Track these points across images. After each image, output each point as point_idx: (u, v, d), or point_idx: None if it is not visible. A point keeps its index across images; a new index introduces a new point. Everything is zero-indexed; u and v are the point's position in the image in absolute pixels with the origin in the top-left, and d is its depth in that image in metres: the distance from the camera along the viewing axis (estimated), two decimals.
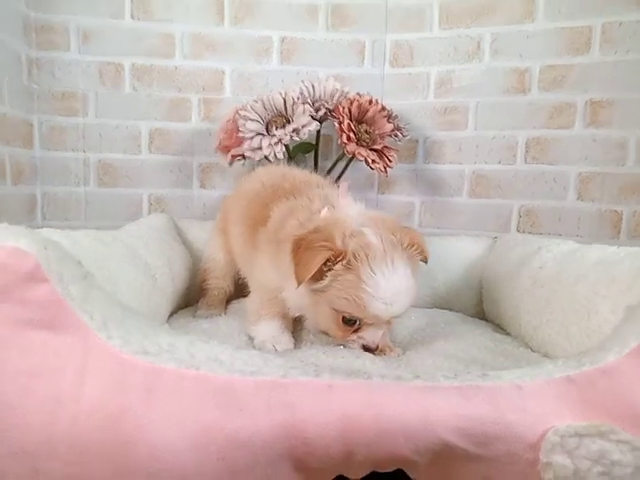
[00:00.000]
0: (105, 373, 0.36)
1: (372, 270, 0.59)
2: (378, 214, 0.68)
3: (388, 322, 0.65)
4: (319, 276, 0.60)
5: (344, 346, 0.65)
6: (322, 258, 0.58)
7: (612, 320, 0.53)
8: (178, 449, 0.34)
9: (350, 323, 0.63)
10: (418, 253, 0.64)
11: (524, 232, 1.18)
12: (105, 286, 0.46)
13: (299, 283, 0.59)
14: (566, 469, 0.36)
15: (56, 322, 0.37)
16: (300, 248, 0.59)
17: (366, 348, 0.64)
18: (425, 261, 0.67)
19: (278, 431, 0.34)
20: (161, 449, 0.34)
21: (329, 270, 0.59)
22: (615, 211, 1.11)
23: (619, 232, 1.11)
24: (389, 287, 0.59)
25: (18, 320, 0.36)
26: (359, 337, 0.63)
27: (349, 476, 0.40)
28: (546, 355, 0.67)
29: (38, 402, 0.35)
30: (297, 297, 0.64)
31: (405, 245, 0.62)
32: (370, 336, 0.63)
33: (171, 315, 0.82)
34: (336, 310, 0.62)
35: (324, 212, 0.64)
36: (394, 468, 0.40)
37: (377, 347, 0.64)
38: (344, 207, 0.66)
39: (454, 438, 0.35)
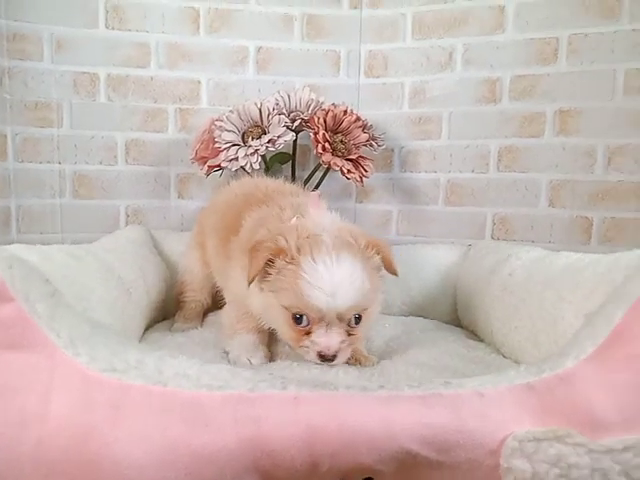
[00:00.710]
0: (72, 391, 0.36)
1: (313, 259, 0.58)
2: (346, 224, 0.68)
3: (345, 326, 0.61)
4: (265, 275, 0.61)
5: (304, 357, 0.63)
6: (263, 258, 0.59)
7: (576, 326, 0.55)
8: (144, 466, 0.34)
9: (299, 321, 0.61)
10: (376, 254, 0.63)
11: (499, 239, 1.21)
12: (77, 302, 0.46)
13: (249, 282, 0.60)
14: (525, 473, 0.37)
15: (22, 341, 0.37)
16: (252, 250, 0.60)
17: (322, 356, 0.60)
18: (392, 272, 0.65)
19: (244, 445, 0.35)
20: (127, 466, 0.34)
21: (272, 267, 0.60)
22: (586, 217, 1.14)
23: (590, 237, 1.14)
24: (329, 275, 0.58)
25: None
26: (312, 342, 0.60)
27: None
28: (517, 361, 0.69)
29: (3, 422, 0.35)
30: (257, 302, 0.64)
31: (362, 246, 0.62)
32: (322, 338, 0.59)
33: (147, 328, 0.81)
34: (285, 308, 0.61)
35: (293, 221, 0.65)
36: (362, 478, 0.41)
37: (334, 356, 0.60)
38: (314, 216, 0.66)
39: (416, 447, 0.36)
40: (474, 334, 0.87)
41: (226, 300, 0.76)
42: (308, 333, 0.61)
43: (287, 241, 0.60)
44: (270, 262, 0.60)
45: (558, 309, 0.61)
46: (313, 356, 0.61)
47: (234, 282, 0.69)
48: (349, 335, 0.62)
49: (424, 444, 0.36)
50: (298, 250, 0.59)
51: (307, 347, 0.60)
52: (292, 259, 0.59)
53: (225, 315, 0.74)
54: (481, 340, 0.83)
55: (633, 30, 1.06)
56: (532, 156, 1.17)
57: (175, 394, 0.36)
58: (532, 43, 1.14)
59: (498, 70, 1.17)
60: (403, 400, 0.38)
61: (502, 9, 1.15)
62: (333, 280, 0.58)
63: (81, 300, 0.52)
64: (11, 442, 0.34)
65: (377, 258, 0.64)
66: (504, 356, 0.72)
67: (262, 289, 0.62)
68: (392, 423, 0.36)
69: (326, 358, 0.60)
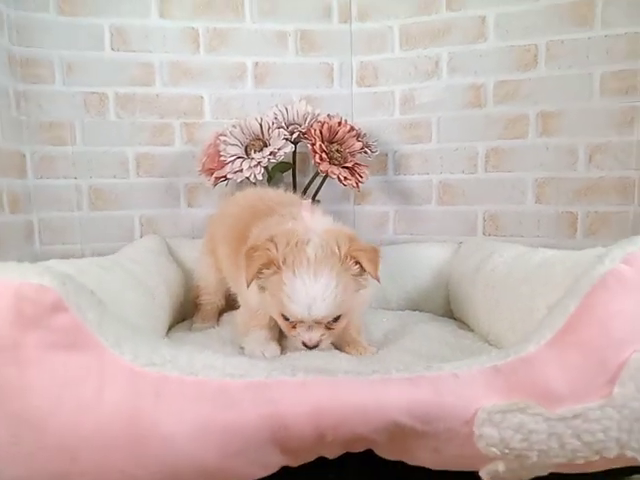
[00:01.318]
0: (120, 383, 0.44)
1: (294, 274, 0.66)
2: (336, 227, 0.76)
3: (325, 325, 0.70)
4: (259, 275, 0.70)
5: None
6: (258, 264, 0.68)
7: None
8: (184, 440, 0.43)
9: (287, 319, 0.71)
10: (355, 264, 0.70)
11: (490, 235, 1.28)
12: (113, 308, 0.54)
13: (247, 285, 0.69)
14: (494, 438, 0.45)
15: (77, 343, 0.45)
16: (248, 254, 0.69)
17: (304, 344, 0.71)
18: (375, 279, 0.71)
19: (263, 421, 0.43)
20: (170, 440, 0.43)
21: (263, 273, 0.69)
22: (571, 212, 1.22)
23: (576, 231, 1.22)
24: (305, 292, 0.66)
25: (47, 344, 0.44)
26: (297, 334, 0.71)
27: (326, 456, 0.49)
28: (500, 348, 0.77)
29: (67, 409, 0.43)
30: (255, 298, 0.74)
31: (342, 256, 0.69)
32: (304, 334, 0.70)
33: (169, 329, 0.90)
34: (274, 306, 0.71)
35: (289, 225, 0.73)
36: (362, 448, 0.49)
37: (317, 344, 0.70)
38: (306, 220, 0.74)
39: (404, 419, 0.44)
40: (466, 325, 0.96)
41: (239, 302, 0.85)
42: (294, 327, 0.71)
43: (277, 249, 0.68)
44: (262, 269, 0.69)
45: (533, 300, 0.69)
46: (299, 344, 0.71)
47: (245, 287, 0.78)
48: (329, 329, 0.71)
49: (410, 417, 0.45)
50: (284, 260, 0.67)
51: (295, 337, 0.72)
52: (278, 269, 0.68)
53: (239, 315, 0.83)
54: (471, 330, 0.91)
55: (605, 36, 1.13)
56: (517, 156, 1.24)
57: (205, 382, 0.44)
58: (513, 50, 1.21)
59: (482, 76, 1.24)
60: (392, 381, 0.46)
61: (483, 19, 1.22)
62: (308, 296, 0.66)
63: (115, 306, 0.60)
64: (75, 424, 0.43)
65: (356, 268, 0.70)
66: (490, 344, 0.80)
67: (260, 287, 0.71)
68: (383, 400, 0.45)
69: (307, 346, 0.71)
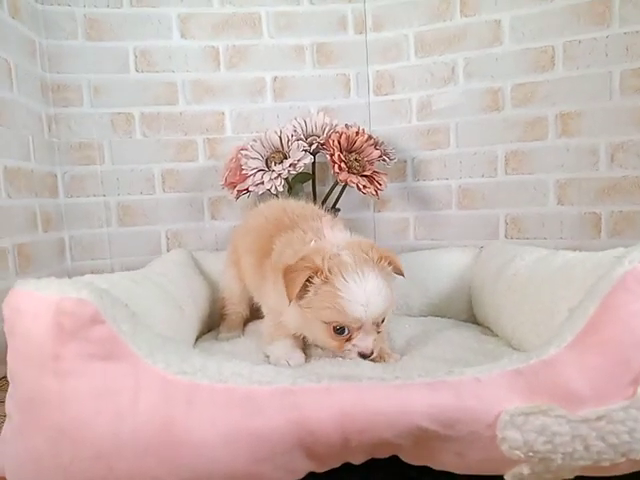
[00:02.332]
0: (154, 391, 0.47)
1: (345, 279, 0.69)
2: (357, 239, 0.79)
3: (376, 328, 0.73)
4: (304, 293, 0.71)
5: (343, 358, 0.75)
6: (304, 276, 0.70)
7: None
8: (214, 446, 0.45)
9: (340, 332, 0.72)
10: (388, 264, 0.75)
11: (512, 238, 1.28)
12: (144, 320, 0.56)
13: (290, 300, 0.71)
14: (517, 441, 0.45)
15: (113, 354, 0.47)
16: (287, 273, 0.71)
17: (362, 355, 0.72)
18: (399, 272, 0.77)
19: (290, 427, 0.45)
20: (201, 447, 0.45)
21: (311, 285, 0.71)
22: (594, 213, 1.20)
23: (600, 232, 1.20)
24: (361, 290, 0.69)
25: (85, 354, 0.47)
26: (353, 345, 0.72)
27: (351, 461, 0.50)
28: (524, 352, 0.77)
29: (105, 417, 0.46)
30: (294, 318, 0.75)
31: (375, 260, 0.73)
32: (362, 342, 0.72)
33: (196, 340, 0.93)
34: (325, 322, 0.72)
35: (312, 243, 0.76)
36: (387, 454, 0.50)
37: (372, 352, 0.72)
38: (328, 237, 0.78)
39: (426, 423, 0.45)
40: (489, 330, 0.95)
41: (264, 312, 0.87)
42: (349, 339, 0.73)
43: (321, 263, 0.71)
44: (308, 281, 0.71)
45: (554, 303, 0.68)
46: (354, 355, 0.73)
47: (269, 297, 0.80)
48: (377, 333, 0.74)
49: (432, 421, 0.46)
50: (329, 271, 0.70)
51: (349, 350, 0.73)
52: (326, 279, 0.70)
53: (264, 325, 0.85)
54: (495, 335, 0.91)
55: (625, 33, 1.12)
56: (538, 158, 1.24)
57: (234, 389, 0.46)
58: (529, 52, 1.21)
59: (499, 80, 1.25)
60: (414, 387, 0.47)
61: (498, 23, 1.23)
62: (366, 294, 0.70)
63: (146, 317, 0.63)
64: (112, 432, 0.45)
65: (389, 268, 0.75)
66: (513, 348, 0.80)
67: (300, 306, 0.73)
68: (406, 405, 0.46)
69: (365, 356, 0.73)
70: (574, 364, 0.48)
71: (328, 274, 0.70)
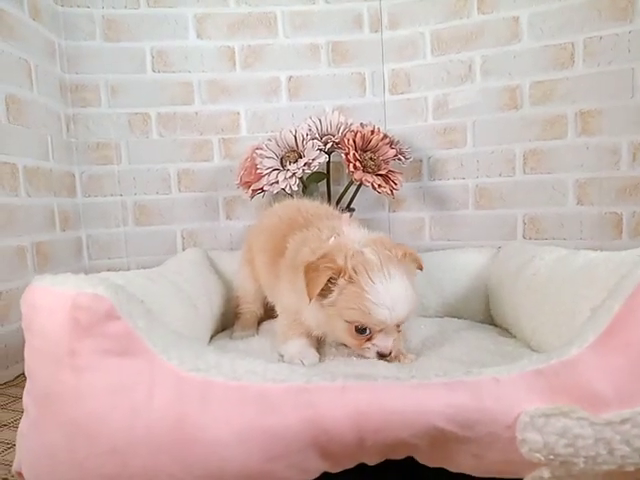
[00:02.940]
0: (168, 387, 0.46)
1: (372, 280, 0.68)
2: (376, 235, 0.78)
3: (397, 328, 0.73)
4: (327, 292, 0.70)
5: (360, 356, 0.74)
6: (326, 276, 0.69)
7: None
8: (228, 443, 0.44)
9: (362, 332, 0.71)
10: (412, 261, 0.74)
11: (530, 239, 1.26)
12: (160, 317, 0.56)
13: (310, 299, 0.69)
14: (538, 443, 0.44)
15: (129, 349, 0.47)
16: (309, 271, 0.69)
17: (381, 355, 0.72)
18: (420, 268, 0.76)
19: (304, 425, 0.44)
20: (215, 444, 0.44)
21: (334, 285, 0.69)
22: (615, 213, 1.18)
23: (621, 232, 1.18)
24: (388, 293, 0.68)
25: (101, 350, 0.47)
26: (373, 345, 0.72)
27: (366, 462, 0.49)
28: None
29: (120, 413, 0.46)
30: (314, 315, 0.74)
31: (399, 257, 0.72)
32: (382, 342, 0.71)
33: (210, 338, 0.93)
34: (347, 321, 0.71)
35: (332, 240, 0.75)
36: (403, 455, 0.49)
37: (390, 352, 0.72)
38: (348, 234, 0.76)
39: (443, 424, 0.44)
40: (507, 331, 0.94)
41: (277, 311, 0.86)
42: (369, 339, 0.72)
43: (344, 262, 0.69)
44: (331, 282, 0.69)
45: (576, 303, 0.67)
46: (373, 355, 0.72)
47: (283, 296, 0.80)
48: (398, 332, 0.73)
49: (450, 421, 0.44)
50: (354, 270, 0.68)
51: (368, 348, 0.72)
52: (350, 278, 0.69)
53: (278, 324, 0.84)
54: (513, 336, 0.89)
55: None
56: (557, 157, 1.21)
57: (248, 387, 0.46)
58: (548, 49, 1.19)
59: (517, 78, 1.23)
60: (431, 386, 0.46)
61: (516, 20, 1.21)
62: (392, 297, 0.68)
63: (161, 315, 0.63)
64: (127, 427, 0.45)
65: (413, 265, 0.74)
66: (532, 349, 0.78)
67: (322, 305, 0.72)
68: (422, 405, 0.45)
69: (384, 356, 0.72)
70: (597, 365, 0.46)
71: (353, 274, 0.68)
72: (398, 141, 1.17)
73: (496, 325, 1.00)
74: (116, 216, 1.31)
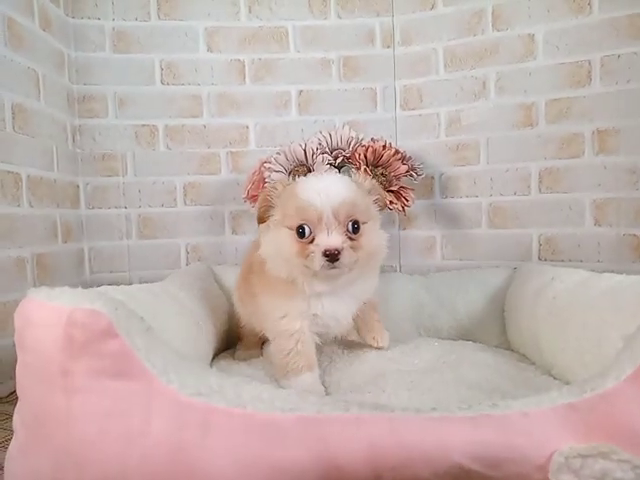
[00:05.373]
0: (167, 413, 0.43)
1: (306, 179, 0.72)
2: None
3: (343, 227, 0.68)
4: (269, 211, 0.73)
5: (309, 267, 0.68)
6: (265, 193, 0.73)
7: (620, 346, 0.57)
8: (230, 476, 0.40)
9: (304, 235, 0.68)
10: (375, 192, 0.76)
11: (545, 260, 1.22)
12: (160, 335, 0.53)
13: (259, 222, 0.74)
14: None
15: (126, 371, 0.44)
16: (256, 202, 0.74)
17: (327, 254, 0.65)
18: (382, 207, 0.78)
19: (314, 460, 0.40)
20: (216, 477, 0.40)
21: (275, 199, 0.72)
22: (634, 235, 1.13)
23: None
24: (318, 181, 0.70)
25: (95, 370, 0.43)
26: (317, 245, 0.66)
27: None
28: (567, 382, 0.70)
29: (113, 439, 0.42)
30: (267, 244, 0.73)
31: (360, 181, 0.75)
32: (324, 239, 0.66)
33: (214, 357, 0.88)
34: (289, 228, 0.69)
35: None
36: None
37: (338, 252, 0.65)
38: None
39: (468, 462, 0.40)
40: (525, 356, 0.89)
41: (269, 338, 0.77)
42: (312, 241, 0.68)
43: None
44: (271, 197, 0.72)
45: (601, 330, 0.63)
46: (319, 258, 0.66)
47: (265, 306, 0.75)
48: (350, 240, 0.68)
49: (475, 460, 0.40)
50: (293, 177, 0.72)
51: (313, 253, 0.66)
52: (287, 186, 0.72)
53: (273, 355, 0.75)
54: (532, 362, 0.84)
55: None
56: (573, 176, 1.18)
57: (253, 415, 0.42)
58: (564, 67, 1.17)
59: (532, 95, 1.20)
60: (454, 420, 0.42)
61: (532, 37, 1.19)
62: (324, 185, 0.69)
63: (162, 333, 0.59)
64: (120, 456, 0.41)
65: (369, 181, 0.76)
66: (554, 377, 0.74)
67: (269, 227, 0.72)
68: (445, 441, 0.41)
69: (331, 256, 0.65)
70: (636, 399, 0.42)
71: (290, 180, 0.73)
72: (410, 157, 1.14)
73: (512, 350, 0.95)
74: (120, 229, 1.28)
